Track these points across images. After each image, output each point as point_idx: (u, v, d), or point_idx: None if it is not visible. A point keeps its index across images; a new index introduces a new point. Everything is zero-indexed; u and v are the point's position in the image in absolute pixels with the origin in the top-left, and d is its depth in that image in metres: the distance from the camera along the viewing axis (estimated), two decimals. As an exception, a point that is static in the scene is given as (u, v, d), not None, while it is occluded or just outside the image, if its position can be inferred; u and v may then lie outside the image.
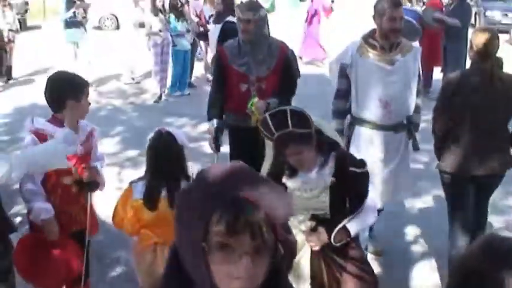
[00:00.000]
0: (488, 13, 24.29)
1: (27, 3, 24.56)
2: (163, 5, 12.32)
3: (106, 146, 9.13)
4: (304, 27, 16.16)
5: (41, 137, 3.90)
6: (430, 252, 5.96)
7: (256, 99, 5.28)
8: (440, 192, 7.03)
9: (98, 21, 23.08)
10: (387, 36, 4.95)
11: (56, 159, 3.60)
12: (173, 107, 11.67)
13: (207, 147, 9.23)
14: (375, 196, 4.97)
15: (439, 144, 5.09)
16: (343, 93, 5.25)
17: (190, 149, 9.08)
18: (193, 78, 13.50)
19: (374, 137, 5.16)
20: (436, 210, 6.68)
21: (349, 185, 3.61)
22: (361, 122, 5.19)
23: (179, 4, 12.38)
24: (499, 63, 4.84)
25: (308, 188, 3.65)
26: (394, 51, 5.02)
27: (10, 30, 14.04)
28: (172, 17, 12.22)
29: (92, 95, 12.37)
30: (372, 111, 5.09)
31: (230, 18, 9.78)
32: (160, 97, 12.24)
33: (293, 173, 3.69)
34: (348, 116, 5.35)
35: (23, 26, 23.12)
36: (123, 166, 8.08)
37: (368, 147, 5.16)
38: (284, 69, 5.47)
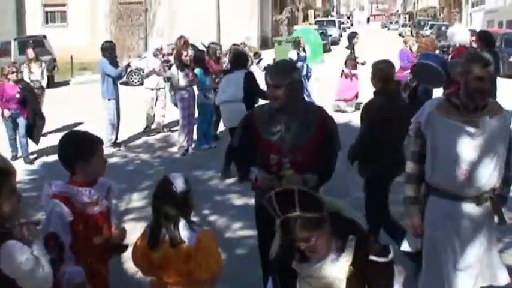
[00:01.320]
0: (512, 59, 24.65)
1: (54, 60, 25.03)
2: (189, 60, 12.48)
3: (134, 200, 9.16)
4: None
5: (63, 200, 3.88)
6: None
7: (289, 173, 4.72)
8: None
9: (126, 76, 23.43)
10: (473, 96, 4.39)
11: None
12: (200, 160, 11.70)
13: (233, 199, 9.27)
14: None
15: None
16: (419, 156, 4.66)
17: (215, 202, 9.13)
18: (218, 131, 13.59)
19: (452, 209, 4.51)
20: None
21: (370, 276, 3.10)
22: (437, 190, 4.56)
23: (207, 58, 12.65)
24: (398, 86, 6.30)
25: (321, 276, 3.15)
26: (479, 113, 4.41)
27: (35, 88, 13.79)
28: (199, 71, 12.37)
29: (120, 149, 12.65)
30: (449, 178, 4.46)
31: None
32: (187, 150, 12.29)
33: (304, 259, 3.17)
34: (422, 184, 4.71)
35: (51, 82, 23.57)
36: (151, 219, 8.07)
37: (445, 220, 4.53)
38: (323, 140, 4.83)
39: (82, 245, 3.96)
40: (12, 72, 12.02)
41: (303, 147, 4.76)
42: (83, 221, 3.92)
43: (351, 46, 19.18)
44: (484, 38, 11.45)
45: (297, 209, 2.99)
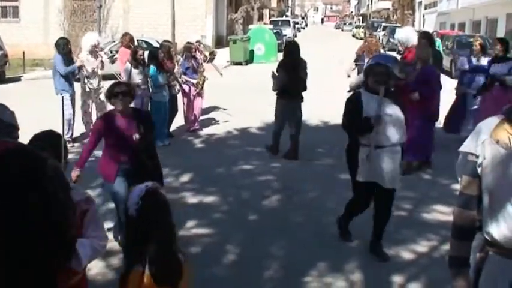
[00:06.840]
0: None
1: (6, 56, 24.58)
2: (143, 58, 12.35)
3: (86, 198, 9.03)
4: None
5: None
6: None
7: None
8: (425, 239, 7.03)
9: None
10: None
11: None
12: (154, 157, 11.55)
13: (188, 197, 9.23)
14: None
15: None
16: (470, 201, 3.31)
17: (171, 201, 9.01)
18: (172, 129, 13.53)
19: None
20: (422, 257, 6.64)
21: None
22: (499, 247, 3.22)
23: (161, 55, 12.60)
24: None
25: None
26: None
27: None
28: (153, 68, 12.27)
29: (74, 145, 12.47)
30: None
31: None
32: (141, 148, 12.13)
33: None
34: (476, 237, 3.38)
35: (2, 78, 23.33)
36: (105, 219, 7.98)
37: None
38: None
39: None
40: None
41: None
42: None
43: None
44: (428, 37, 12.02)
45: None
